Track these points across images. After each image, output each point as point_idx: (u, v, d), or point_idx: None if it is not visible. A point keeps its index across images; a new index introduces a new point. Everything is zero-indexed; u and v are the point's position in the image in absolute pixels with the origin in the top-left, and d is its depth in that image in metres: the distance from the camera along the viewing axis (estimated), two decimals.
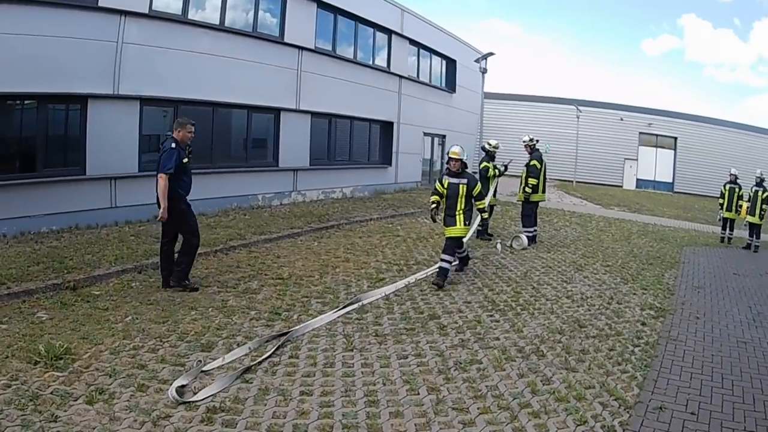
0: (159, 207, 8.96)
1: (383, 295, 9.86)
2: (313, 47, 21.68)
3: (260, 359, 6.70)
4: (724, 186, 20.25)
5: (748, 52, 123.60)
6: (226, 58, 17.80)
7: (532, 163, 15.58)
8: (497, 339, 7.86)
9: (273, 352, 6.93)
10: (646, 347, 7.87)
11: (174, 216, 9.14)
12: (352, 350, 7.18)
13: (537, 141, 16.04)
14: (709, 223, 25.71)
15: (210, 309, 8.51)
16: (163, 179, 8.84)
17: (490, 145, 16.42)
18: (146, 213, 14.45)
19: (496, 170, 15.73)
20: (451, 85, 33.83)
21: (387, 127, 27.61)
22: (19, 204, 12.82)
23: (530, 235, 15.55)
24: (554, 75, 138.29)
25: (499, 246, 14.82)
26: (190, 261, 9.56)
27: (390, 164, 27.78)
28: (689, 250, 17.32)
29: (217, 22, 17.75)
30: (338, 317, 8.50)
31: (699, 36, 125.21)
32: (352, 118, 24.88)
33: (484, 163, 15.98)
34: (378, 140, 27.57)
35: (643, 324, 8.94)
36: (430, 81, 31.95)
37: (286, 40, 20.33)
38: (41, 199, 13.22)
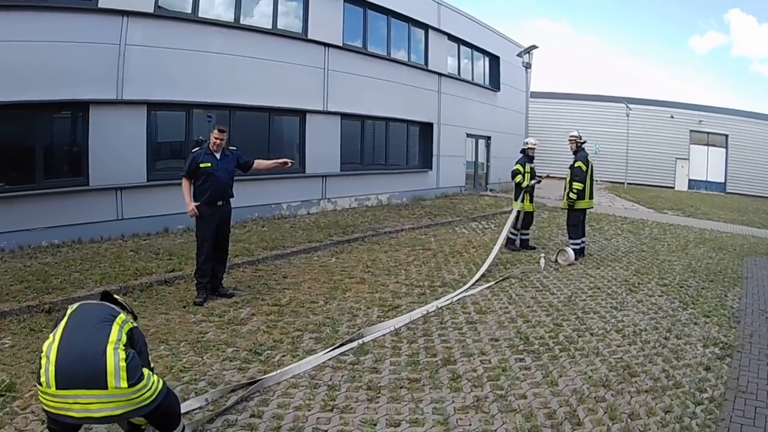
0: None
1: (392, 329, 8.39)
2: (341, 44, 20.80)
3: (212, 416, 5.52)
4: None
5: None
6: (243, 57, 17.18)
7: (576, 164, 14.06)
8: (524, 397, 6.28)
9: (230, 407, 5.72)
10: (710, 406, 6.31)
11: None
12: (332, 410, 5.78)
13: (584, 141, 14.45)
14: (766, 227, 24.46)
15: (183, 343, 7.52)
16: (183, 181, 9.35)
17: (526, 144, 15.19)
18: (156, 225, 14.49)
19: (526, 177, 14.69)
20: (495, 83, 32.56)
21: (426, 128, 26.39)
22: (18, 217, 12.43)
23: (577, 248, 14.02)
24: (603, 74, 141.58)
25: (542, 261, 13.37)
26: (198, 268, 9.53)
27: (430, 168, 26.52)
28: (750, 261, 15.64)
29: (232, 20, 17.04)
30: (329, 359, 7.15)
31: (745, 31, 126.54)
32: (387, 120, 23.79)
33: (516, 167, 14.86)
34: (417, 143, 26.38)
35: (707, 369, 7.38)
36: (473, 79, 30.67)
37: (310, 36, 19.46)
38: (41, 212, 12.84)
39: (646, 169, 48.07)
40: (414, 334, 8.28)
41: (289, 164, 10.08)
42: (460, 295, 10.24)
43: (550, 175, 15.52)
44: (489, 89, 32.04)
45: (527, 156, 15.00)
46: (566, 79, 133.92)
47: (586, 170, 14.01)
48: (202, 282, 9.41)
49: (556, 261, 13.59)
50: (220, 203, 9.45)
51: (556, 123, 44.54)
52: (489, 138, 31.33)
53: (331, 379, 6.57)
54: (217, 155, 9.37)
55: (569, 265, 13.30)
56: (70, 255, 11.86)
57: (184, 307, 9.07)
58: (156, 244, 13.10)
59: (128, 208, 14.25)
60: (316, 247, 13.91)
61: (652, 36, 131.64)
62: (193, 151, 9.39)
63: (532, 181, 14.74)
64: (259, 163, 10.14)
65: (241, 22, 17.35)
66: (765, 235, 21.78)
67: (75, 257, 11.68)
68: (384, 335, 8.10)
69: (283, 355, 7.24)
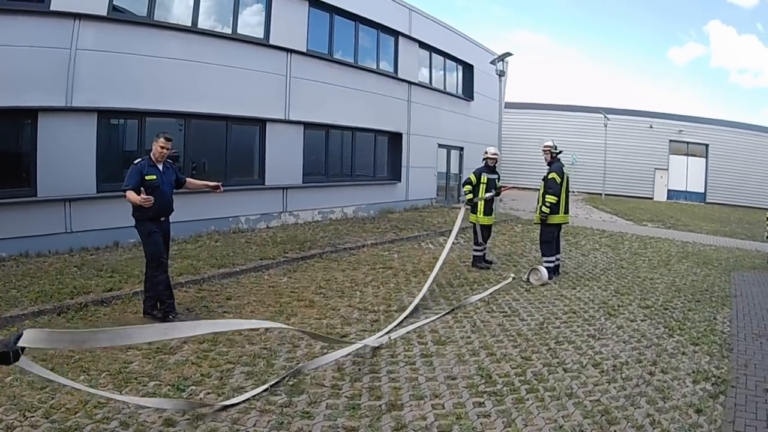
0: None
1: (334, 360, 7.29)
2: (304, 50, 19.77)
3: None
4: None
5: None
6: (201, 63, 16.26)
7: (550, 176, 12.86)
8: None
9: None
10: None
11: (141, 238, 8.90)
12: None
13: (560, 151, 13.27)
14: (750, 238, 23.55)
15: (104, 374, 6.61)
16: (127, 195, 8.39)
17: (486, 153, 14.02)
18: (106, 239, 13.85)
19: (481, 189, 13.67)
20: (468, 92, 31.62)
21: (395, 138, 25.38)
22: None
23: (551, 265, 12.85)
24: (582, 85, 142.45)
25: (511, 278, 12.37)
26: (154, 286, 8.79)
27: (399, 180, 25.43)
28: (738, 276, 14.59)
29: (189, 24, 16.07)
30: (255, 399, 6.05)
31: (724, 42, 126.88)
32: (353, 129, 22.75)
33: (470, 175, 13.86)
34: (385, 153, 25.35)
35: (698, 411, 6.20)
36: (445, 88, 29.71)
37: (272, 42, 18.45)
38: None
39: (625, 179, 47.70)
40: (360, 370, 7.13)
41: (220, 189, 9.58)
42: (419, 325, 9.07)
43: (516, 186, 14.38)
44: (462, 98, 31.08)
45: (487, 166, 13.91)
46: (545, 91, 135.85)
47: (561, 182, 12.85)
48: (154, 300, 8.88)
49: (527, 280, 12.43)
50: (163, 219, 8.88)
51: (533, 134, 43.80)
52: (462, 149, 30.24)
53: (255, 426, 5.54)
54: (160, 167, 8.77)
55: (542, 285, 12.12)
56: (14, 270, 11.17)
57: None
58: (102, 259, 12.31)
59: (77, 221, 13.55)
60: (267, 264, 12.87)
61: (631, 47, 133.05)
62: (136, 162, 8.63)
63: (487, 195, 13.64)
64: (191, 182, 9.52)
65: (200, 26, 16.41)
66: (750, 247, 20.77)
67: (17, 272, 10.94)
68: (324, 371, 6.99)
69: (208, 392, 6.26)
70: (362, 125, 22.95)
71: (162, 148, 8.65)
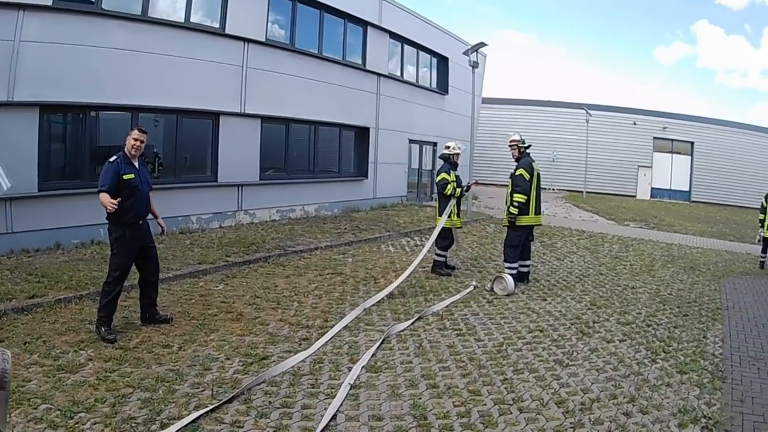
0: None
1: (241, 391, 6.01)
2: (263, 39, 18.36)
3: None
4: (766, 198, 16.14)
5: (759, 58, 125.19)
6: (150, 54, 15.23)
7: (518, 172, 11.45)
8: None
9: None
10: None
11: (111, 242, 7.87)
12: None
13: (528, 146, 11.94)
14: (739, 240, 22.50)
15: None
16: (101, 197, 7.29)
17: (449, 148, 12.71)
18: (47, 240, 13.00)
19: (455, 188, 12.33)
20: (443, 85, 30.28)
21: (362, 133, 23.96)
22: None
23: (514, 272, 11.40)
24: (568, 84, 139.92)
25: (473, 287, 11.03)
26: (106, 303, 7.65)
27: (366, 176, 24.00)
28: (728, 284, 13.26)
29: (139, 12, 15.01)
30: None
31: (711, 42, 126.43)
32: (316, 123, 21.37)
33: (442, 175, 12.40)
34: (351, 149, 23.98)
35: None
36: (417, 81, 28.38)
37: (228, 31, 17.10)
38: None
39: (607, 177, 46.94)
40: (270, 403, 5.85)
41: (161, 229, 8.52)
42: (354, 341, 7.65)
43: (479, 182, 13.11)
44: (436, 92, 29.64)
45: (451, 163, 12.65)
46: (530, 90, 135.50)
47: (530, 179, 11.40)
48: (108, 317, 7.73)
49: (491, 290, 11.00)
50: (141, 222, 8.00)
51: (512, 129, 42.05)
52: (435, 144, 28.74)
53: None
54: (136, 163, 7.92)
55: (507, 295, 10.67)
56: None
57: (26, 343, 7.21)
58: (37, 262, 11.41)
59: (18, 221, 12.66)
60: (205, 270, 11.60)
61: (618, 47, 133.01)
62: (111, 160, 7.65)
63: (464, 188, 12.68)
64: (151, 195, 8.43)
65: (149, 15, 15.24)
66: (739, 249, 19.57)
67: None
68: (228, 407, 5.72)
69: (95, 422, 5.30)
70: (326, 119, 21.62)
71: (136, 140, 7.80)
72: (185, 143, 16.80)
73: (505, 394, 6.23)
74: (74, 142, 14.48)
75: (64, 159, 14.29)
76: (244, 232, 16.06)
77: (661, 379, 6.93)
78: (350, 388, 6.21)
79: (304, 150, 21.51)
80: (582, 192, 42.95)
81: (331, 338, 7.88)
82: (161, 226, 8.44)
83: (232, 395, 5.89)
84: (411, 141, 27.21)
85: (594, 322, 9.20)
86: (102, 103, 14.29)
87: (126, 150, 7.77)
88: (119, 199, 7.35)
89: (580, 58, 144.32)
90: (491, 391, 6.34)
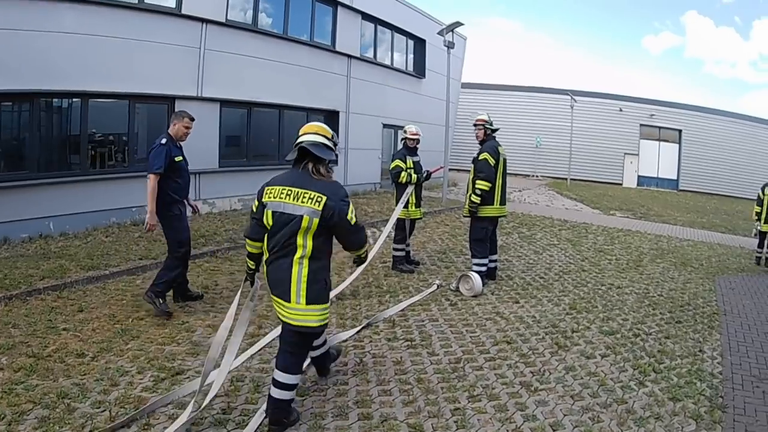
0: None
1: (140, 414, 5.22)
2: (223, 20, 17.18)
3: None
4: (763, 190, 14.93)
5: (748, 50, 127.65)
6: (100, 37, 14.13)
7: (482, 157, 10.14)
8: None
9: None
10: None
11: (163, 223, 8.16)
12: None
13: (496, 129, 10.72)
14: (731, 231, 21.49)
15: None
16: (152, 180, 7.81)
17: (405, 132, 11.54)
18: None
19: (412, 176, 11.09)
20: (419, 68, 28.95)
21: (332, 117, 22.53)
22: None
23: (483, 269, 10.11)
24: (555, 72, 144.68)
25: (436, 287, 9.82)
26: (170, 279, 8.22)
27: (335, 163, 22.25)
28: (723, 282, 12.03)
29: None
30: None
31: (700, 33, 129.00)
32: (281, 107, 20.04)
33: (396, 162, 11.14)
34: None
35: None
36: (392, 63, 27.04)
37: (184, 11, 15.96)
38: None
39: (592, 164, 46.09)
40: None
41: (194, 209, 9.00)
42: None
43: (442, 167, 11.97)
44: (412, 75, 28.42)
45: (407, 147, 11.44)
46: (516, 76, 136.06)
47: (495, 165, 10.08)
48: (165, 291, 8.20)
49: (456, 289, 9.70)
50: (185, 200, 8.52)
51: (495, 115, 41.17)
52: None
53: None
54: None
55: (474, 296, 9.36)
56: None
57: None
58: None
59: None
60: (146, 266, 10.66)
61: (606, 35, 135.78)
62: (162, 142, 7.93)
63: (423, 174, 11.45)
64: None
65: None
66: (732, 242, 18.42)
67: None
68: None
69: None
70: (291, 102, 20.37)
71: (187, 128, 8.31)
72: (137, 130, 15.90)
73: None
74: (20, 132, 13.58)
75: (9, 149, 13.42)
76: (198, 223, 14.84)
77: (650, 408, 5.64)
78: (265, 417, 5.10)
79: (268, 135, 20.42)
80: (566, 179, 42.08)
81: (259, 350, 6.74)
82: (193, 206, 8.85)
83: (129, 417, 5.01)
84: (385, 125, 26.03)
85: (573, 332, 7.88)
86: (49, 90, 13.41)
87: (173, 134, 8.12)
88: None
89: (568, 45, 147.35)
90: (436, 426, 5.07)
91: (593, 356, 6.98)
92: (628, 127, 46.10)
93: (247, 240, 5.40)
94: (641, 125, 46.22)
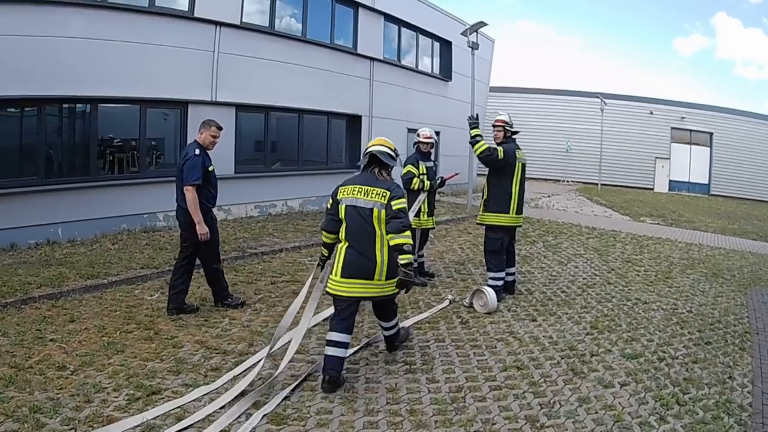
0: (197, 224, 8.07)
1: None
2: (238, 23, 16.91)
3: None
4: None
5: None
6: (111, 42, 13.98)
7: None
8: None
9: None
10: None
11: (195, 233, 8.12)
12: None
13: (516, 131, 9.99)
14: (762, 239, 20.72)
15: None
16: (190, 192, 8.00)
17: (418, 135, 11.05)
18: (2, 240, 12.11)
19: (425, 182, 10.55)
20: (446, 71, 28.46)
21: (354, 121, 22.28)
22: None
23: (499, 284, 9.57)
24: (585, 75, 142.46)
25: (448, 302, 9.30)
26: (222, 279, 8.84)
27: (358, 168, 21.80)
28: (757, 295, 11.33)
29: None
30: None
31: (729, 35, 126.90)
32: (300, 111, 19.68)
33: (408, 168, 10.56)
34: (342, 138, 22.31)
35: None
36: (417, 66, 26.57)
37: (197, 14, 15.71)
38: None
39: (623, 169, 45.10)
40: None
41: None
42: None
43: (458, 173, 11.59)
44: (438, 78, 27.89)
45: (420, 152, 10.92)
46: (547, 80, 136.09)
47: (505, 160, 9.56)
48: (227, 288, 8.94)
49: (470, 305, 9.15)
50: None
51: (523, 119, 40.56)
52: (438, 133, 26.81)
53: None
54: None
55: (487, 313, 8.80)
56: None
57: None
58: None
59: None
60: (146, 275, 10.40)
61: (636, 38, 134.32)
62: (197, 153, 8.18)
63: (438, 181, 10.93)
64: None
65: (110, 0, 14.04)
66: (763, 250, 17.72)
67: None
68: None
69: None
70: (312, 107, 19.99)
71: (215, 137, 8.51)
72: (149, 135, 15.70)
73: None
74: (29, 137, 13.29)
75: (18, 155, 13.28)
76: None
77: None
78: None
79: (288, 140, 20.08)
80: (597, 184, 41.23)
81: (243, 371, 6.40)
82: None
83: None
84: (409, 130, 25.19)
85: (592, 355, 7.29)
86: (59, 96, 13.30)
87: (203, 143, 8.32)
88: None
89: (598, 49, 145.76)
90: None
91: (611, 385, 6.38)
92: (659, 131, 45.15)
93: (323, 232, 6.63)
94: (672, 128, 45.27)
